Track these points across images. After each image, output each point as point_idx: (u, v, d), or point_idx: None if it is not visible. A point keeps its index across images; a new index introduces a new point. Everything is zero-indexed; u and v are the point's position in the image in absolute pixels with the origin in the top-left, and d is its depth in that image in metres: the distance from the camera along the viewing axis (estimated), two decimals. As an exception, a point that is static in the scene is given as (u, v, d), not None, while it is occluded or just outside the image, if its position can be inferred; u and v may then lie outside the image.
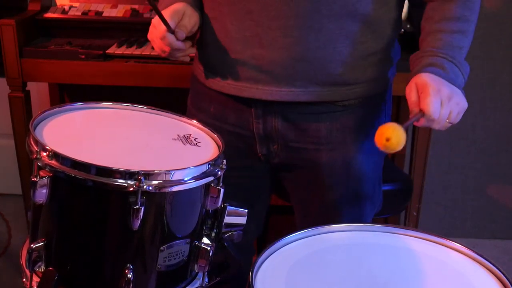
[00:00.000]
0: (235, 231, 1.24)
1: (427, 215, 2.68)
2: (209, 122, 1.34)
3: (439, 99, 1.20)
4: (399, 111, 2.32)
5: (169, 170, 1.10)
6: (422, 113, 1.20)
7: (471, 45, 1.32)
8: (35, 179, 1.10)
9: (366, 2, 1.29)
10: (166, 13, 1.28)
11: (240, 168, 1.36)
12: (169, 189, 1.11)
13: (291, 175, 1.47)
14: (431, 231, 1.22)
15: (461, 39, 1.31)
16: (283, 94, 1.33)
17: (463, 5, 1.31)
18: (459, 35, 1.30)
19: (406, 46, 1.89)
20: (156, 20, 1.30)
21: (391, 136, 1.11)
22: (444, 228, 2.78)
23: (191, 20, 1.32)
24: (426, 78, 1.23)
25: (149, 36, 1.34)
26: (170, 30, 1.28)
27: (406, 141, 1.18)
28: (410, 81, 1.26)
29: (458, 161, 2.68)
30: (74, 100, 2.31)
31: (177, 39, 1.28)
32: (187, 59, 1.35)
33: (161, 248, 1.16)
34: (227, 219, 1.22)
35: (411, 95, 1.23)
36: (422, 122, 1.22)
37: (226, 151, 1.20)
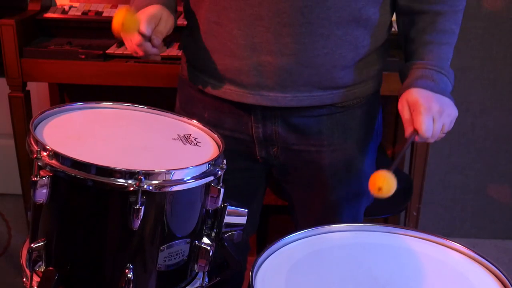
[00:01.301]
0: (235, 231, 1.24)
1: (427, 215, 2.68)
2: None
3: (431, 116, 1.25)
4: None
5: (169, 170, 1.10)
6: (416, 131, 1.25)
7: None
8: (35, 179, 1.10)
9: (369, 7, 1.31)
10: (142, 16, 1.27)
11: (237, 170, 1.37)
12: (169, 189, 1.11)
13: (291, 176, 1.47)
14: (431, 231, 1.22)
15: (449, 50, 1.36)
16: (288, 100, 1.33)
17: (452, 19, 1.36)
18: (447, 46, 1.36)
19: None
20: None
21: (383, 185, 1.17)
22: (444, 228, 2.78)
23: (167, 25, 1.30)
24: (416, 95, 1.27)
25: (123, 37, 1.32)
26: (146, 38, 1.27)
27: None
28: (402, 97, 1.30)
29: (458, 161, 2.68)
30: (74, 100, 2.31)
31: (153, 46, 1.27)
32: (158, 58, 1.33)
33: (161, 248, 1.16)
34: (227, 219, 1.22)
35: (403, 112, 1.28)
36: (417, 139, 1.26)
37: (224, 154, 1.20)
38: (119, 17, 1.21)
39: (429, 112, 1.25)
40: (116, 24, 1.21)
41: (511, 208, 2.77)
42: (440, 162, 2.67)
